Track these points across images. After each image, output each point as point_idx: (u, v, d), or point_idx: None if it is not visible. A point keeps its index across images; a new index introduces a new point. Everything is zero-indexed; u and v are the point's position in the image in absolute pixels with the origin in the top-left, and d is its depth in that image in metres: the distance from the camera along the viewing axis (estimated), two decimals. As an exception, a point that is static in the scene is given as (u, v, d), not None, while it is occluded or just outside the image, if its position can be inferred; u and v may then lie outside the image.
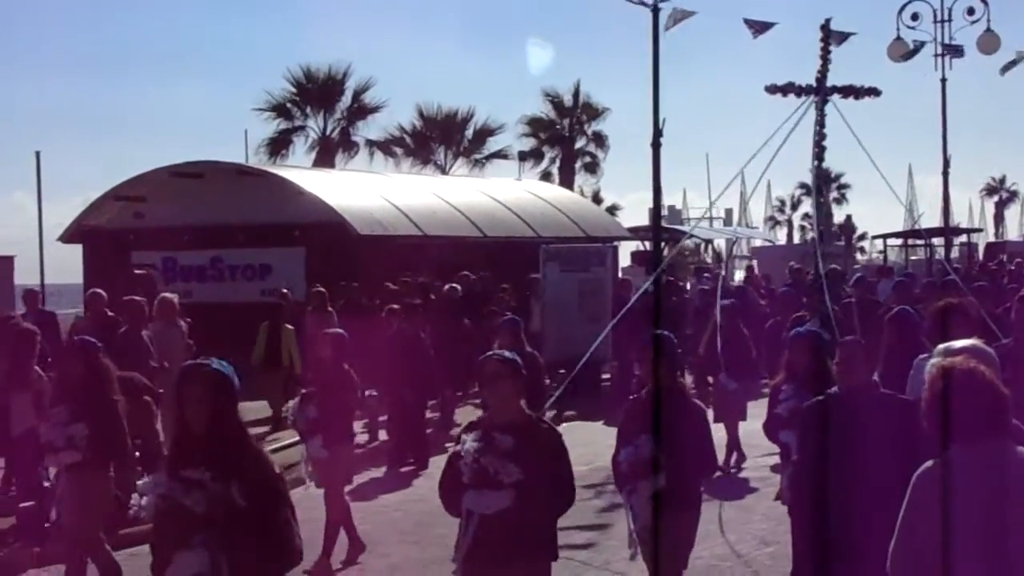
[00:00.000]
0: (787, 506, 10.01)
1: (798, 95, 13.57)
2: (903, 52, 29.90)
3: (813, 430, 8.51)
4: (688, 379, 12.76)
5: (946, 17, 30.56)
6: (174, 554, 6.32)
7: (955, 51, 30.96)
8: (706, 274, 31.29)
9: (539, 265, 26.76)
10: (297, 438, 16.87)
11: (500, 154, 58.36)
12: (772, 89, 13.59)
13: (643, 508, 9.13)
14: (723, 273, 20.16)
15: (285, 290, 23.99)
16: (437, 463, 18.32)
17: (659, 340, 9.62)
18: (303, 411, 12.92)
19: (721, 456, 16.94)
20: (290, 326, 21.56)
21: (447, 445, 19.79)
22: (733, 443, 17.67)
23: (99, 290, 19.62)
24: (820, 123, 13.45)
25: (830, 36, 13.51)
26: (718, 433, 17.62)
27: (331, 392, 13.00)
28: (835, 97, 13.95)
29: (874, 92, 13.84)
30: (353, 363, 13.67)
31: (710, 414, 11.17)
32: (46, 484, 13.32)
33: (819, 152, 13.38)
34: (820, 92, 13.54)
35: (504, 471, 7.42)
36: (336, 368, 13.21)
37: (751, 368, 18.15)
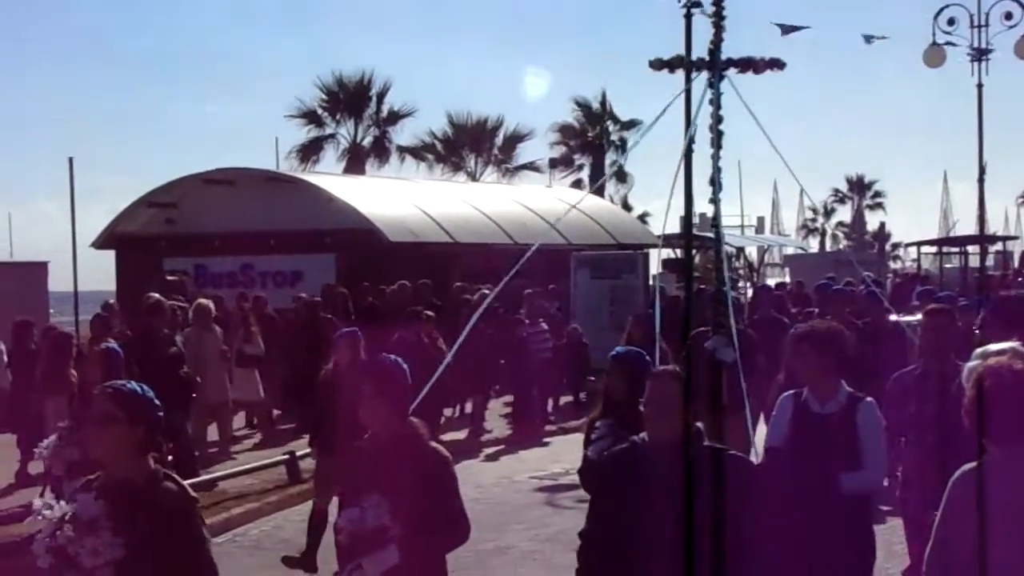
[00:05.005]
0: None
1: (688, 71, 12.42)
2: (939, 58, 29.64)
3: (609, 493, 6.50)
4: None
5: (983, 22, 30.33)
6: None
7: (985, 53, 30.75)
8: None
9: (570, 272, 26.79)
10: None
11: (531, 166, 58.44)
12: (657, 65, 12.29)
13: None
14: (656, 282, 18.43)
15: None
16: (465, 468, 18.38)
17: (379, 369, 7.14)
18: (60, 451, 10.16)
19: None
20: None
21: (481, 452, 20.12)
22: None
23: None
24: (716, 103, 12.18)
25: (722, 2, 12.49)
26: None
27: None
28: (732, 73, 12.68)
29: (777, 64, 12.61)
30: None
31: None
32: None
33: (716, 138, 12.16)
34: (714, 67, 12.28)
35: (84, 549, 5.53)
36: None
37: None
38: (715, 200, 12.38)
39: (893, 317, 14.97)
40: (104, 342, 13.66)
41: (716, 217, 12.73)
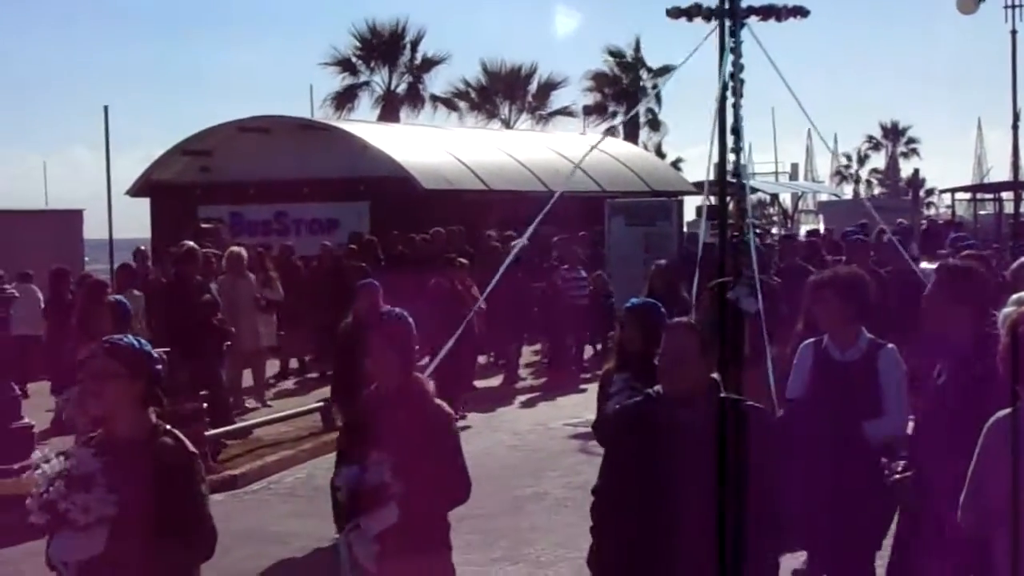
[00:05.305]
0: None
1: (707, 19, 12.10)
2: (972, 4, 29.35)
3: (623, 447, 6.13)
4: None
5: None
6: None
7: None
8: None
9: (604, 220, 26.75)
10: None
11: (565, 111, 58.35)
12: (675, 13, 11.95)
13: (366, 553, 6.60)
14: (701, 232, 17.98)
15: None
16: (500, 415, 18.44)
17: (384, 323, 7.06)
18: (82, 402, 9.73)
19: None
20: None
21: (516, 399, 20.15)
22: None
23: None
24: (736, 52, 11.85)
25: None
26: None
27: None
28: (753, 21, 12.29)
29: (800, 12, 12.25)
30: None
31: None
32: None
33: (738, 87, 11.81)
34: (734, 15, 11.93)
35: (75, 505, 5.33)
36: None
37: None
38: (737, 149, 12.22)
39: (924, 265, 14.83)
40: (130, 291, 13.71)
41: (737, 165, 12.60)
